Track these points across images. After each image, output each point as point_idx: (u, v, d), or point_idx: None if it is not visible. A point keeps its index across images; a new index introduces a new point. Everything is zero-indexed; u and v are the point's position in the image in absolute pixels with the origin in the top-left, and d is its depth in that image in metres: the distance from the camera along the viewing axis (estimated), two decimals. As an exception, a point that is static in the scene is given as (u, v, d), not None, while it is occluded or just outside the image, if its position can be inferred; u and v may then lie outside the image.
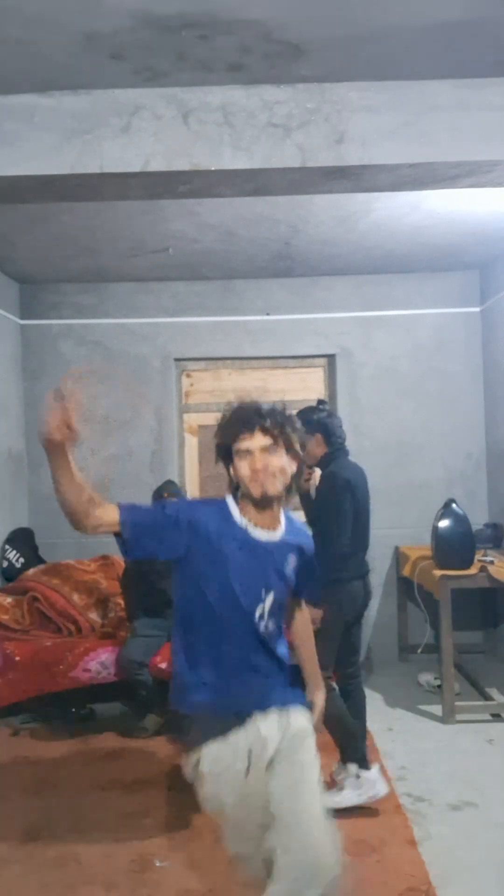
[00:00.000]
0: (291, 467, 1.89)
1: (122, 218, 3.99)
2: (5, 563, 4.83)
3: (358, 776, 3.00)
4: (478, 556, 4.21)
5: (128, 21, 2.21)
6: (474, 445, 5.30)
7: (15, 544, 4.91)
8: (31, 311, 5.31)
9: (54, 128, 2.63)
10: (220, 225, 4.16)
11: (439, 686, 4.30)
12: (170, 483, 4.24)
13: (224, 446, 1.90)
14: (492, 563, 4.14)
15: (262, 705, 1.85)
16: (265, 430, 1.84)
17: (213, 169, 2.66)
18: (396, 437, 5.29)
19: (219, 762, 1.81)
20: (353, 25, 2.27)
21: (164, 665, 3.93)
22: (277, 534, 1.90)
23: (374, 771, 3.05)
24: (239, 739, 1.82)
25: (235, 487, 1.91)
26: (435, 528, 4.18)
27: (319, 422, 3.18)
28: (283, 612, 1.96)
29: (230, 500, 1.91)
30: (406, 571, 4.75)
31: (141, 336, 5.32)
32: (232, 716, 1.83)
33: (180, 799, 3.12)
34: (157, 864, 2.67)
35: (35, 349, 5.31)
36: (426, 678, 4.59)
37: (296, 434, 1.89)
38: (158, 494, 3.97)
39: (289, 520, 1.97)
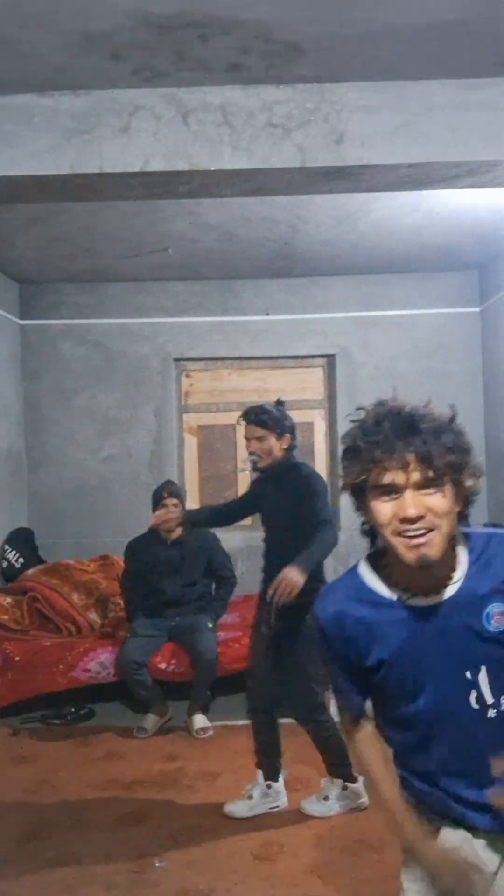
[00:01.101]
0: (456, 509, 1.23)
1: (121, 218, 3.99)
2: (5, 563, 4.83)
3: (345, 787, 2.97)
4: (477, 556, 4.21)
5: (127, 21, 2.21)
6: (474, 446, 5.29)
7: (14, 544, 4.91)
8: (30, 311, 5.31)
9: (53, 128, 2.64)
10: (219, 225, 4.16)
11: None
12: (169, 483, 4.23)
13: (355, 481, 1.21)
14: (491, 562, 4.14)
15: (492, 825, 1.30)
16: (424, 458, 1.16)
17: (212, 169, 2.66)
18: (396, 437, 5.28)
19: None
20: (352, 25, 2.27)
21: (163, 665, 3.93)
22: (454, 586, 1.25)
23: (360, 783, 3.00)
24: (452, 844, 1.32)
25: (368, 533, 1.28)
26: (434, 528, 4.18)
27: (290, 421, 2.97)
28: None
29: (364, 569, 1.31)
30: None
31: (140, 336, 5.32)
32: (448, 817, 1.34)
33: (180, 799, 3.13)
34: (157, 864, 2.66)
35: (35, 349, 5.31)
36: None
37: (470, 464, 1.26)
38: (158, 495, 3.97)
39: (474, 544, 1.29)
